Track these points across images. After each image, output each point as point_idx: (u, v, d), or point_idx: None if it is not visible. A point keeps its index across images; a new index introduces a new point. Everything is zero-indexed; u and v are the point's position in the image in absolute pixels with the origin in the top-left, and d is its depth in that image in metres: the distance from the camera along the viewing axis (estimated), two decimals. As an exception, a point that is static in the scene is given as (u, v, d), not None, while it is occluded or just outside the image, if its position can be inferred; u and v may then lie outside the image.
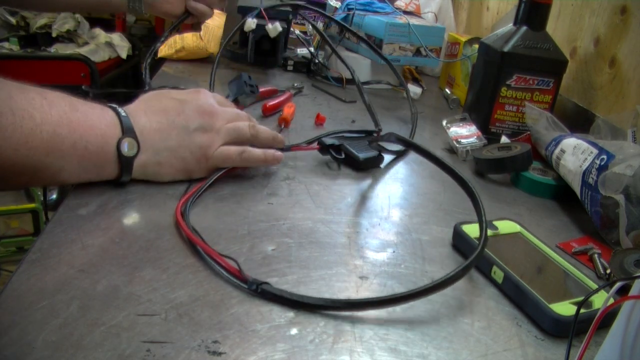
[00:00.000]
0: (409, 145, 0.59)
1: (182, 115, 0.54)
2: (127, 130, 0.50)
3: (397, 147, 0.69)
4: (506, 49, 0.77)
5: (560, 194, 0.66)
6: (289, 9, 1.03)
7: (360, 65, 1.03)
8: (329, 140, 0.66)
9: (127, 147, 0.50)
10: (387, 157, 0.70)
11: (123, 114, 0.51)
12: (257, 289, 0.40)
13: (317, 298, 0.40)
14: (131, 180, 0.54)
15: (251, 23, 0.94)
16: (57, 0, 0.81)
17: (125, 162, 0.51)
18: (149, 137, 0.52)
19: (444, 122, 0.80)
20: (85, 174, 0.50)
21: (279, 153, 0.60)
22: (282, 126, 0.76)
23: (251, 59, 1.01)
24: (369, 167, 0.67)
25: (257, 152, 0.59)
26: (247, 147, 0.58)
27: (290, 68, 1.09)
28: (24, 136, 0.42)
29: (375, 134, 0.72)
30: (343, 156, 0.65)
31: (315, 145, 0.66)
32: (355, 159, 0.65)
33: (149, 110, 0.54)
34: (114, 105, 0.52)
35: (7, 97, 0.42)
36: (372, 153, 0.66)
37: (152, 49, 0.84)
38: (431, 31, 1.04)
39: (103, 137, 0.49)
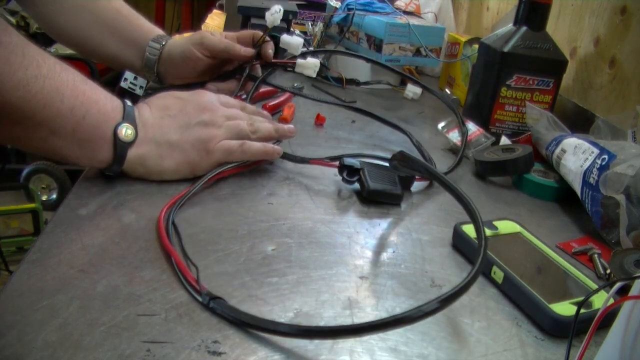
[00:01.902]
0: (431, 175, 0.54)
1: (184, 111, 0.56)
2: (128, 117, 0.52)
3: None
4: (506, 49, 0.77)
5: (563, 196, 0.66)
6: (294, 9, 1.02)
7: (360, 65, 1.03)
8: (349, 161, 0.60)
9: (124, 132, 0.51)
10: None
11: (128, 103, 0.54)
12: (209, 304, 0.38)
13: (268, 321, 0.37)
14: (132, 179, 0.54)
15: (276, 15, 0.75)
16: (73, 40, 0.75)
17: (120, 148, 0.51)
18: (150, 129, 0.53)
19: (440, 128, 0.80)
20: (78, 148, 0.49)
21: (278, 147, 0.60)
22: None
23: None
24: (381, 201, 0.59)
25: (257, 145, 0.59)
26: (247, 140, 0.59)
27: (290, 68, 1.09)
28: (26, 78, 0.43)
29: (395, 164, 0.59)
30: (355, 179, 0.59)
31: (336, 163, 0.61)
32: (365, 187, 0.58)
33: (153, 106, 0.56)
34: (127, 102, 0.54)
35: (24, 44, 0.44)
36: (389, 187, 0.59)
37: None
38: (431, 31, 1.04)
39: (104, 115, 0.50)
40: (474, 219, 0.44)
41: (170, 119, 0.55)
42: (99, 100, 0.50)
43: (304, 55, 0.79)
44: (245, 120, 0.60)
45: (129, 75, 0.64)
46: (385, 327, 0.36)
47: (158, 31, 0.75)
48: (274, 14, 0.72)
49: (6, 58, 0.42)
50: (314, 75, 0.78)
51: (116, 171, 0.53)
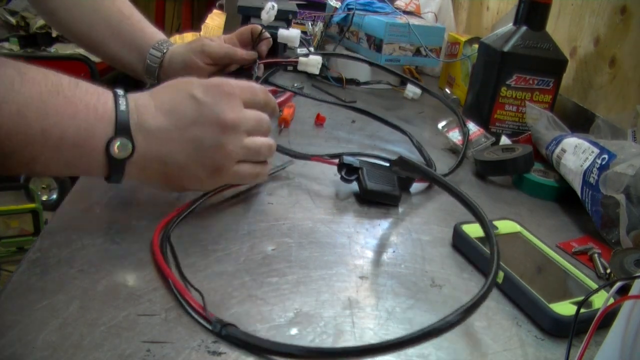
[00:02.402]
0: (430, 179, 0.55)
1: (197, 125, 0.46)
2: (121, 129, 0.43)
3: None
4: (506, 48, 0.77)
5: (563, 196, 0.66)
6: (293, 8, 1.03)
7: (360, 65, 1.03)
8: (349, 159, 0.60)
9: (117, 149, 0.42)
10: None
11: (122, 107, 0.43)
12: (221, 332, 0.36)
13: (287, 345, 0.35)
14: (131, 179, 0.54)
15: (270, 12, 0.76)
16: (77, 37, 0.74)
17: (114, 164, 0.43)
18: (154, 144, 0.44)
19: (440, 127, 0.80)
20: (67, 168, 0.43)
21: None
22: (282, 126, 0.76)
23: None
24: (379, 201, 0.59)
25: (267, 170, 0.53)
26: (262, 169, 0.52)
27: (290, 68, 1.09)
28: None
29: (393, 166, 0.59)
30: (353, 178, 0.59)
31: (336, 160, 0.61)
32: (362, 186, 0.58)
33: (160, 108, 0.45)
34: (120, 93, 0.44)
35: None
36: (387, 187, 0.59)
37: None
38: (431, 31, 1.04)
39: (87, 130, 0.41)
40: (483, 224, 0.44)
41: (178, 131, 0.45)
42: (76, 115, 0.41)
43: (305, 53, 0.79)
44: (266, 136, 0.52)
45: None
46: (413, 342, 0.34)
47: (160, 36, 0.74)
48: (269, 12, 0.74)
49: None
50: (317, 72, 0.79)
51: (115, 182, 0.45)
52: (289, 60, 0.78)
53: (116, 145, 0.42)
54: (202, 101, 0.46)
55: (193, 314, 0.38)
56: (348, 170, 0.59)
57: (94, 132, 0.42)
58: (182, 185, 0.49)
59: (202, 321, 0.37)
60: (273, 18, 0.75)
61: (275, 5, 0.74)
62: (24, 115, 0.39)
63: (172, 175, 0.47)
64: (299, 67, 0.78)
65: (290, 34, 0.80)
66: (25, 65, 0.41)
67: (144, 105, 0.45)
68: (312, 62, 0.78)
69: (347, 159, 0.60)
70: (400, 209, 0.58)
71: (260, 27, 0.75)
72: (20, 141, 0.39)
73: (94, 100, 0.43)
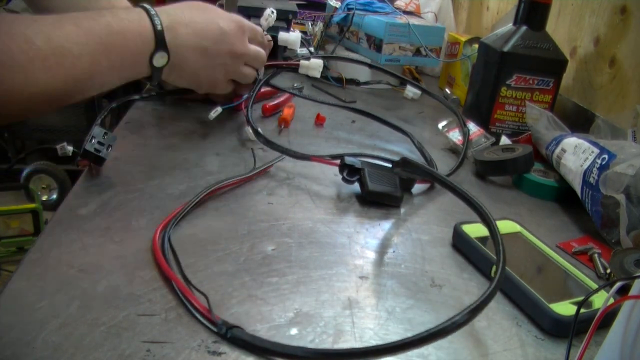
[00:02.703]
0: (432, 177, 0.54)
1: (216, 45, 0.63)
2: (160, 44, 0.57)
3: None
4: (506, 48, 0.77)
5: (563, 196, 0.66)
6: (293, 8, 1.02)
7: (360, 65, 1.03)
8: (350, 160, 0.60)
9: (156, 60, 0.57)
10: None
11: (158, 27, 0.57)
12: (227, 334, 0.36)
13: (294, 347, 0.35)
14: (131, 179, 0.54)
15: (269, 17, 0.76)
16: None
17: (155, 70, 0.58)
18: (183, 54, 0.60)
19: (440, 127, 0.80)
20: (121, 80, 0.56)
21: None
22: (282, 126, 0.76)
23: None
24: (380, 202, 0.59)
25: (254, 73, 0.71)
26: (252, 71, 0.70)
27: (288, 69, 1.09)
28: (66, 69, 0.48)
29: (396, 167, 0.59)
30: (354, 179, 0.59)
31: (337, 161, 0.61)
32: (364, 187, 0.58)
33: (191, 26, 0.60)
34: (152, 12, 0.57)
35: (47, 40, 0.47)
36: (389, 188, 0.58)
37: None
38: (431, 31, 1.04)
39: (137, 54, 0.56)
40: (489, 224, 0.44)
41: (202, 48, 0.62)
42: (128, 42, 0.54)
43: (306, 56, 0.79)
44: (254, 70, 0.70)
45: (97, 132, 0.55)
46: (420, 343, 0.34)
47: None
48: (268, 18, 0.74)
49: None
50: (319, 76, 0.79)
51: (157, 80, 0.61)
52: (290, 63, 0.78)
53: (155, 57, 0.57)
54: (224, 30, 0.63)
55: (197, 315, 0.38)
56: (350, 171, 0.59)
57: (142, 52, 0.56)
58: (198, 83, 0.66)
59: (206, 323, 0.37)
60: (272, 24, 0.76)
61: (275, 12, 0.74)
62: (98, 61, 0.51)
63: (193, 77, 0.65)
64: (300, 71, 0.78)
65: (290, 37, 0.80)
66: (77, 16, 0.51)
67: (177, 22, 0.59)
68: (314, 65, 0.78)
69: (349, 160, 0.60)
70: (402, 210, 0.58)
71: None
72: (93, 77, 0.52)
73: (137, 27, 0.55)
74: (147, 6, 0.57)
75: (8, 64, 0.44)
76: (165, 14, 0.58)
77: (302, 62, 0.78)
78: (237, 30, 0.65)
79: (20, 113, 0.49)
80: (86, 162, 0.53)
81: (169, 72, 0.61)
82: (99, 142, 0.55)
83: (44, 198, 2.05)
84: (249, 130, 0.67)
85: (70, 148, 0.59)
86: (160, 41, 0.57)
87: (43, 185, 2.08)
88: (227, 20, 0.64)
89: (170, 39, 0.58)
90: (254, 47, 0.69)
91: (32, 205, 1.79)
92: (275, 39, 0.79)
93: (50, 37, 0.47)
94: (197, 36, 0.61)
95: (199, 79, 0.65)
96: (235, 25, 0.65)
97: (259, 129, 0.65)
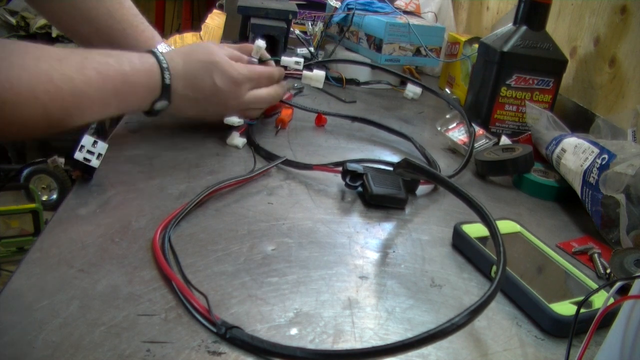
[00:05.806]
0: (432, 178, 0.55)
1: (208, 100, 0.65)
2: (164, 95, 0.61)
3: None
4: (506, 48, 0.77)
5: (563, 196, 0.66)
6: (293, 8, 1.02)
7: (360, 65, 1.03)
8: (352, 166, 0.59)
9: (158, 106, 0.62)
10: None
11: (167, 81, 0.61)
12: (226, 334, 0.36)
13: (293, 348, 0.35)
14: (131, 179, 0.54)
15: (261, 44, 0.73)
16: (71, 35, 0.76)
17: (154, 112, 0.63)
18: (179, 102, 0.63)
19: (438, 127, 0.80)
20: (120, 113, 0.61)
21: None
22: (279, 127, 0.75)
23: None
24: (385, 205, 0.58)
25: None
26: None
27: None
28: (81, 110, 0.53)
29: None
30: (358, 184, 0.59)
31: (339, 168, 0.61)
32: (368, 191, 0.57)
33: (188, 78, 0.63)
34: (164, 65, 0.60)
35: (70, 84, 0.51)
36: (393, 191, 0.58)
37: None
38: (431, 31, 1.04)
39: (144, 101, 0.61)
40: (490, 226, 0.44)
41: (195, 99, 0.64)
42: (137, 90, 0.59)
43: (309, 67, 0.78)
44: (264, 103, 0.71)
45: (86, 142, 0.54)
46: (419, 344, 0.34)
47: (153, 45, 0.72)
48: (258, 52, 0.71)
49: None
50: (321, 87, 0.78)
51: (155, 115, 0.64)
52: (293, 72, 0.77)
53: (157, 104, 0.62)
54: (217, 88, 0.64)
55: (197, 316, 0.38)
56: (352, 177, 0.59)
57: (147, 99, 0.61)
58: (199, 119, 0.70)
59: (206, 323, 0.37)
60: (263, 51, 0.72)
61: (264, 43, 0.71)
62: (107, 103, 0.56)
63: (192, 116, 0.69)
64: (303, 81, 0.77)
65: (315, 75, 0.76)
66: (99, 61, 0.55)
67: (179, 77, 0.62)
68: (316, 77, 0.76)
69: (351, 166, 0.59)
70: (401, 208, 0.58)
71: (266, 54, 0.74)
72: (100, 115, 0.57)
73: (148, 79, 0.60)
74: (160, 57, 0.61)
75: (31, 102, 0.48)
76: (172, 68, 0.61)
77: (305, 72, 0.77)
78: (231, 87, 0.65)
79: (28, 137, 0.53)
80: (79, 171, 0.53)
81: (168, 112, 0.65)
82: (88, 151, 0.54)
83: (44, 198, 2.05)
84: (237, 138, 0.68)
85: (62, 160, 0.59)
86: (165, 93, 0.61)
87: (43, 185, 2.08)
88: (224, 74, 0.64)
89: (172, 91, 0.62)
90: (254, 95, 0.68)
91: (32, 205, 1.79)
92: (278, 63, 0.74)
93: (74, 82, 0.51)
94: (193, 90, 0.63)
95: (198, 117, 0.69)
96: (230, 82, 0.64)
97: (259, 143, 0.66)
